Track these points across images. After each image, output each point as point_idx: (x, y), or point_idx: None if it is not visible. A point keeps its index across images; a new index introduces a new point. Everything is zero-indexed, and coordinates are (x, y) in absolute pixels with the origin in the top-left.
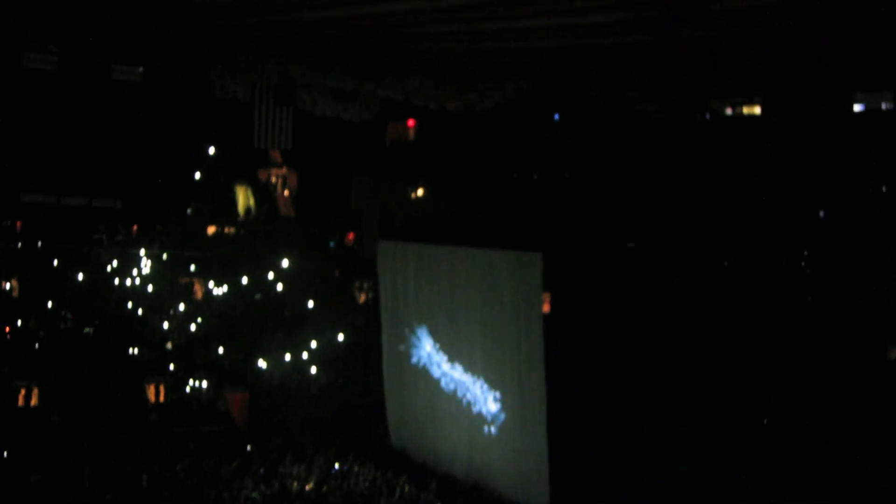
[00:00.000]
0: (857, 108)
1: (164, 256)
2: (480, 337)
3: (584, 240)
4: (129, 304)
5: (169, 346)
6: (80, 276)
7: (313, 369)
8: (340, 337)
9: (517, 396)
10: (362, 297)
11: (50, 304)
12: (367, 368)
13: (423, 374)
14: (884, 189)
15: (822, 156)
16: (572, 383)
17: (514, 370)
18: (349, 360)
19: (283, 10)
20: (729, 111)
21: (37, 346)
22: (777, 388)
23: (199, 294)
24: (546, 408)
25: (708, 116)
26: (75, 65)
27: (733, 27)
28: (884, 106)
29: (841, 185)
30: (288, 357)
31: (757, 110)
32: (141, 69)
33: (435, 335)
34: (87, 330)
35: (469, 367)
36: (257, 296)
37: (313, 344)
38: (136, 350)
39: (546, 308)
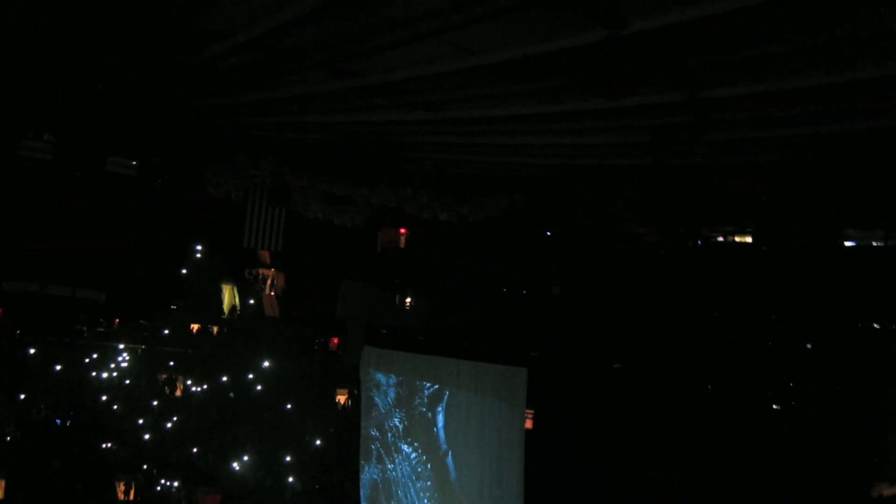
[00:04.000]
0: (849, 243)
1: (144, 351)
2: (462, 448)
3: (570, 358)
4: (105, 398)
5: (146, 438)
6: (58, 367)
7: (289, 476)
8: (318, 442)
9: None
10: (342, 402)
11: (23, 395)
12: (344, 475)
13: (401, 484)
14: (876, 326)
15: (812, 288)
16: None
17: (492, 484)
18: (326, 465)
19: (282, 112)
20: (720, 239)
21: (8, 438)
22: None
23: (178, 391)
24: None
25: (699, 242)
26: (70, 155)
27: (726, 157)
28: (875, 243)
29: (829, 317)
30: (263, 461)
31: (748, 239)
32: (135, 163)
33: (416, 444)
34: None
35: (448, 479)
36: (233, 395)
37: (290, 448)
38: (108, 445)
39: (528, 424)
